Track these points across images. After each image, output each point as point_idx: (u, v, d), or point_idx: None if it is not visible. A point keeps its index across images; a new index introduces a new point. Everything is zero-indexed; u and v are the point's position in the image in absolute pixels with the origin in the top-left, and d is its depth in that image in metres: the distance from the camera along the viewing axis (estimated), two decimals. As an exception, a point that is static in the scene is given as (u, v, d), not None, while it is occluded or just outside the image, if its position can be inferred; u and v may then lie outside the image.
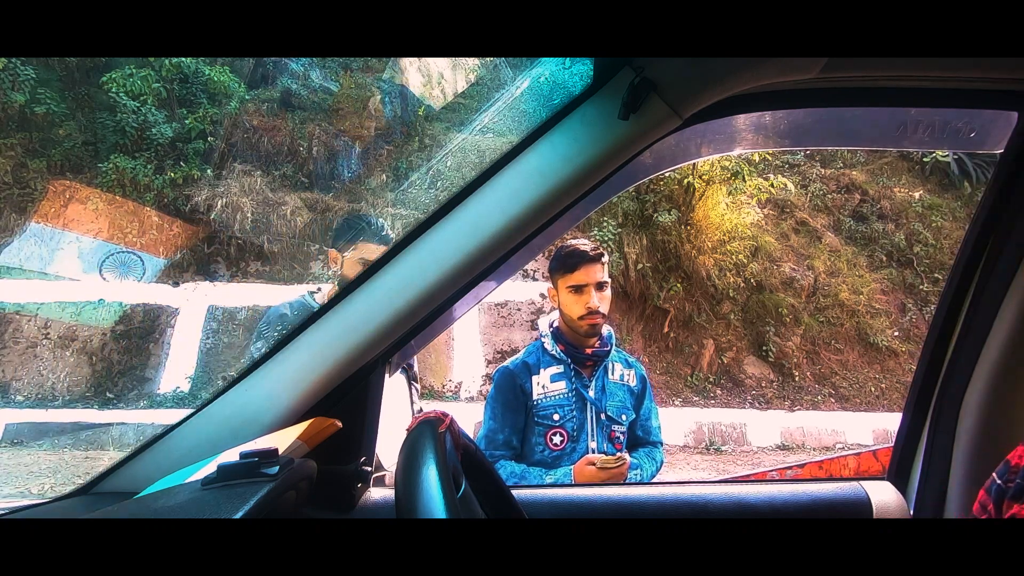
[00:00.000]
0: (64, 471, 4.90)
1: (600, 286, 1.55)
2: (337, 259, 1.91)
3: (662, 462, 1.69)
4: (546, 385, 1.58)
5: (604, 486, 1.16)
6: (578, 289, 1.55)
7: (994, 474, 0.65)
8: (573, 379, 1.59)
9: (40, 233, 7.12)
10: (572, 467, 1.49)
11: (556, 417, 1.56)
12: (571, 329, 1.60)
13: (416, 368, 2.01)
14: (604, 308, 1.56)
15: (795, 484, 1.02)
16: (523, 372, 1.60)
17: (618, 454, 1.49)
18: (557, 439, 1.56)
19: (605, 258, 1.56)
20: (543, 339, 1.64)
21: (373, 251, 1.84)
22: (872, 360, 8.31)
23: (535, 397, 1.57)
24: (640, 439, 1.70)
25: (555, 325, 1.65)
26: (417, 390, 1.96)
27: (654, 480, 1.65)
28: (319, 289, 1.96)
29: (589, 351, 1.60)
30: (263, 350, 1.64)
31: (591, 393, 1.60)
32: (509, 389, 1.58)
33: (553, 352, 1.61)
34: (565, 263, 1.56)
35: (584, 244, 1.57)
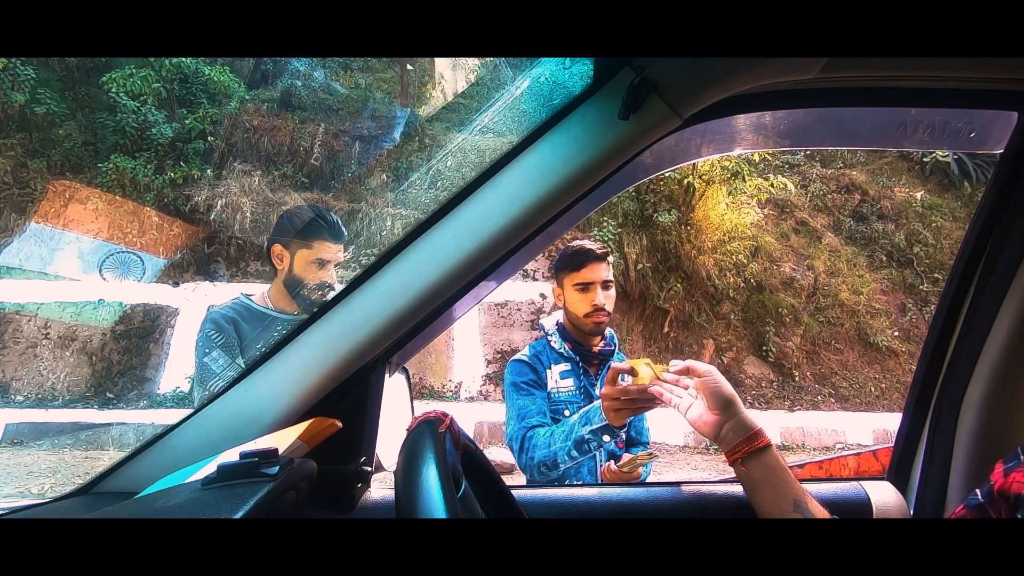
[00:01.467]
0: (64, 471, 4.90)
1: (605, 284, 1.57)
2: (283, 256, 1.66)
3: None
4: (557, 380, 1.59)
5: (603, 486, 1.16)
6: (584, 287, 1.56)
7: (1019, 448, 0.64)
8: (581, 376, 1.60)
9: (40, 233, 7.12)
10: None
11: (567, 413, 1.57)
12: (576, 327, 1.61)
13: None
14: (609, 306, 1.58)
15: None
16: (537, 363, 1.61)
17: (649, 450, 1.53)
18: None
19: (610, 257, 1.59)
20: (549, 337, 1.65)
21: (327, 249, 1.66)
22: (872, 360, 8.31)
23: (549, 389, 1.58)
24: (632, 439, 1.71)
25: (560, 323, 1.66)
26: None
27: (654, 480, 1.65)
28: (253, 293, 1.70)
29: (595, 350, 1.61)
30: (219, 360, 1.58)
31: (598, 391, 1.60)
32: (531, 371, 1.59)
33: (561, 350, 1.62)
34: (571, 261, 1.58)
35: (590, 243, 1.60)
